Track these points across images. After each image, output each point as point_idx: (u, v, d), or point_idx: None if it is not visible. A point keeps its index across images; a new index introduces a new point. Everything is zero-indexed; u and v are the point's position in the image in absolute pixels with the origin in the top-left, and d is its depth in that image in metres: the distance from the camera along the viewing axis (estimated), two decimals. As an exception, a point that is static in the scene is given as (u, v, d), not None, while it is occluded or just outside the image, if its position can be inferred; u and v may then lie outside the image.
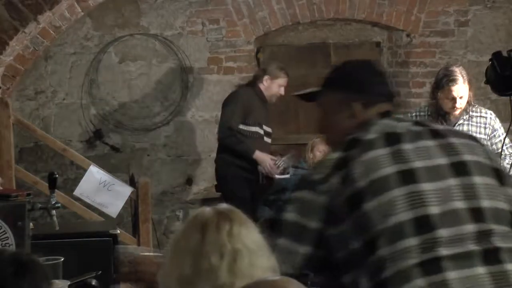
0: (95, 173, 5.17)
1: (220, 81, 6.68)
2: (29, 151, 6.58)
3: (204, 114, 6.72)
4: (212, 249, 1.95)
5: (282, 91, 5.98)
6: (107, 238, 4.05)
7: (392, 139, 2.20)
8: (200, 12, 6.67)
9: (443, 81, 4.88)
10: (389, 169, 2.12)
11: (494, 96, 6.01)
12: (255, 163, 5.78)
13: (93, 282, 3.04)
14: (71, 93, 6.64)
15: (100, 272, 3.24)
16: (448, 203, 2.09)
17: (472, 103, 4.98)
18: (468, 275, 2.01)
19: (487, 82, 4.38)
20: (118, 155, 6.68)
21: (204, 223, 2.01)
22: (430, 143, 2.20)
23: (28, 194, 3.01)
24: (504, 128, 4.91)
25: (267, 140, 5.97)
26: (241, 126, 5.78)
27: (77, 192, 5.19)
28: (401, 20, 6.84)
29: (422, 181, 2.10)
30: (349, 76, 2.44)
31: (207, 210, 2.05)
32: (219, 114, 6.70)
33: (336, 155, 2.21)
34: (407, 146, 2.17)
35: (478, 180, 2.14)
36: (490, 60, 4.21)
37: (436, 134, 2.24)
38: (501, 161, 4.66)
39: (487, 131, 4.93)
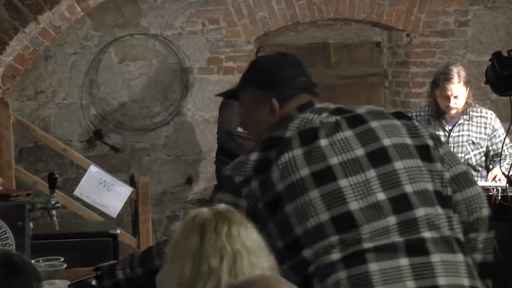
0: (95, 173, 5.17)
1: (220, 81, 6.68)
2: (29, 151, 6.57)
3: (204, 114, 6.72)
4: (211, 251, 1.95)
5: None
6: (107, 238, 4.05)
7: (308, 136, 2.17)
8: (200, 12, 6.67)
9: (440, 79, 4.91)
10: (304, 171, 2.11)
11: (494, 96, 6.02)
12: None
13: (93, 282, 3.04)
14: (71, 93, 6.63)
15: (100, 272, 3.24)
16: (368, 196, 2.07)
17: (472, 103, 4.98)
18: (390, 267, 2.00)
19: (487, 82, 4.38)
20: (118, 155, 6.68)
21: (202, 224, 2.00)
22: (347, 133, 2.17)
23: (28, 194, 3.01)
24: (504, 128, 4.91)
25: None
26: (240, 129, 5.78)
27: (77, 192, 5.19)
28: (401, 20, 6.84)
29: (339, 178, 2.09)
30: (261, 71, 2.41)
31: (205, 211, 2.04)
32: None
33: (255, 155, 2.21)
34: (323, 142, 2.14)
35: (399, 165, 2.11)
36: (490, 60, 4.21)
37: (354, 122, 2.20)
38: (501, 162, 4.66)
39: (487, 131, 4.93)
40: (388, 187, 2.08)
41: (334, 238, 2.05)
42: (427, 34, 6.87)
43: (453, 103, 4.88)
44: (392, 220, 2.05)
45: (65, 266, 2.86)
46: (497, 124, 4.97)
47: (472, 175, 4.69)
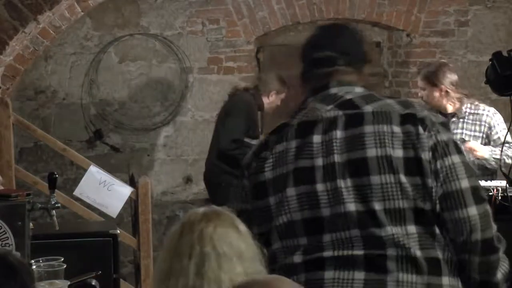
0: (95, 173, 5.17)
1: (220, 81, 6.68)
2: (29, 151, 6.58)
3: (204, 114, 6.72)
4: (184, 249, 1.96)
5: (279, 102, 6.00)
6: (107, 238, 4.05)
7: (304, 129, 2.12)
8: (200, 12, 6.67)
9: None
10: (290, 166, 2.09)
11: (494, 96, 6.00)
12: None
13: (93, 282, 3.04)
14: (71, 93, 6.63)
15: (100, 272, 3.24)
16: (338, 205, 2.04)
17: (465, 101, 4.98)
18: (344, 278, 2.01)
19: (487, 82, 4.38)
20: (118, 155, 6.68)
21: (185, 222, 2.02)
22: (339, 134, 2.09)
23: (28, 194, 3.01)
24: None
25: None
26: (245, 139, 5.75)
27: (77, 192, 5.18)
28: (401, 20, 6.84)
29: (318, 182, 2.06)
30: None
31: (199, 209, 2.06)
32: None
33: (262, 138, 2.22)
34: (316, 139, 2.09)
35: (376, 180, 2.03)
36: (490, 60, 4.22)
37: (351, 122, 2.10)
38: (500, 161, 4.66)
39: (483, 128, 4.93)
40: (359, 200, 2.03)
41: (303, 240, 2.05)
42: (427, 34, 6.87)
43: (420, 94, 5.01)
44: (355, 233, 2.02)
45: (65, 266, 2.86)
46: (495, 120, 4.95)
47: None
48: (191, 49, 6.69)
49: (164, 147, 6.74)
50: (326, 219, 2.04)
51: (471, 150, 4.77)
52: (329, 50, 2.26)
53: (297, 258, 2.06)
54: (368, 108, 2.12)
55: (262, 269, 1.98)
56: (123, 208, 5.34)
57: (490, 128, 4.92)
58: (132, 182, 5.72)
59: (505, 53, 4.14)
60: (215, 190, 5.80)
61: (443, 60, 6.56)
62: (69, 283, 2.85)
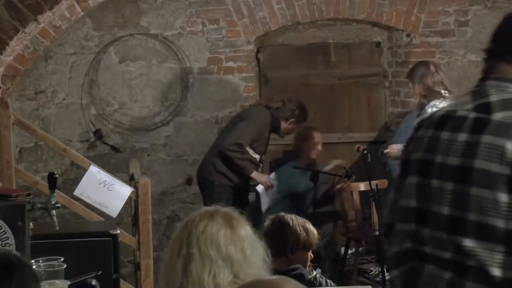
0: (95, 173, 5.17)
1: (220, 81, 6.68)
2: (29, 151, 6.58)
3: (204, 114, 6.72)
4: (175, 247, 2.00)
5: (294, 132, 6.17)
6: (107, 238, 4.05)
7: (441, 122, 2.10)
8: (200, 12, 6.67)
9: None
10: (420, 154, 2.10)
11: (494, 96, 6.01)
12: (246, 179, 5.91)
13: (93, 282, 3.04)
14: (71, 93, 6.63)
15: (100, 272, 3.24)
16: (439, 205, 2.03)
17: (424, 97, 5.05)
18: (435, 275, 2.03)
19: (487, 82, 4.38)
20: (118, 155, 6.68)
21: (186, 220, 2.04)
22: (462, 137, 2.02)
23: (28, 194, 3.01)
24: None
25: (259, 168, 6.11)
26: (248, 149, 5.82)
27: (77, 192, 5.18)
28: (401, 20, 6.84)
29: (433, 177, 2.05)
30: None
31: (201, 209, 2.08)
32: (219, 114, 6.71)
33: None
34: (444, 135, 2.07)
35: (474, 191, 1.99)
36: (490, 60, 4.22)
37: (477, 127, 2.02)
38: None
39: None
40: (455, 206, 2.01)
41: (411, 226, 2.06)
42: (427, 34, 6.87)
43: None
44: (444, 236, 2.03)
45: (65, 266, 2.87)
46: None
47: None
48: (191, 49, 6.69)
49: (164, 147, 6.74)
50: (431, 213, 2.05)
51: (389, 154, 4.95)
52: (497, 42, 2.15)
53: (407, 245, 2.07)
54: (497, 116, 2.02)
55: (258, 271, 1.97)
56: (123, 208, 5.33)
57: None
58: (131, 182, 5.71)
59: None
60: (206, 187, 5.88)
61: (445, 63, 6.61)
62: (69, 283, 2.85)
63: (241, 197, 5.94)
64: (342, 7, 6.75)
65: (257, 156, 5.92)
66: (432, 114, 2.17)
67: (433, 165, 2.06)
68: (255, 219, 5.24)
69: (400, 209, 2.11)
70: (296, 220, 3.58)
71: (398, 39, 7.00)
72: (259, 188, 6.01)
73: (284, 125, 6.02)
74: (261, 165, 6.12)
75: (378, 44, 7.16)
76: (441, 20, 6.86)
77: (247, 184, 6.04)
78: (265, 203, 6.05)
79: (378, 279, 6.01)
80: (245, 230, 2.04)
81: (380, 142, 6.79)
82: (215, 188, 5.83)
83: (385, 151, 5.22)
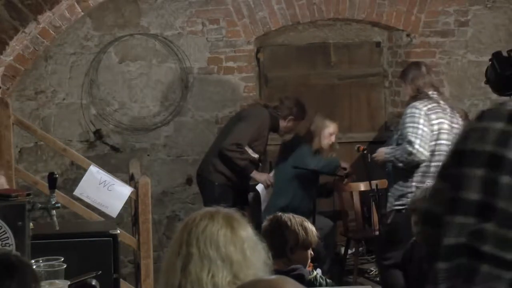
0: (95, 173, 5.17)
1: (220, 81, 6.68)
2: (29, 151, 6.58)
3: (204, 114, 6.72)
4: (176, 247, 2.01)
5: (293, 130, 6.15)
6: (107, 238, 4.05)
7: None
8: (200, 12, 6.67)
9: None
10: (486, 146, 2.11)
11: (494, 96, 6.01)
12: (245, 179, 5.92)
13: (93, 282, 3.04)
14: (71, 93, 6.63)
15: (100, 272, 3.24)
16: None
17: (408, 99, 5.18)
18: (493, 276, 2.03)
19: (487, 82, 4.39)
20: (118, 155, 6.68)
21: (186, 220, 2.05)
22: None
23: (28, 194, 3.01)
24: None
25: (259, 167, 6.11)
26: (247, 148, 5.83)
27: (77, 192, 5.18)
28: (401, 20, 6.84)
29: (505, 174, 2.06)
30: None
31: (202, 209, 2.08)
32: (219, 114, 6.71)
33: None
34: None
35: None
36: (490, 60, 4.23)
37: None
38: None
39: (400, 125, 5.15)
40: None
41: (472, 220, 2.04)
42: (427, 34, 6.87)
43: None
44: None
45: (65, 266, 2.86)
46: (404, 119, 5.05)
47: None
48: (191, 49, 6.69)
49: (164, 147, 6.74)
50: (497, 210, 2.04)
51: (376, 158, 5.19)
52: None
53: (461, 239, 2.04)
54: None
55: (258, 273, 1.97)
56: (123, 208, 5.33)
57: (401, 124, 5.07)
58: (132, 182, 5.71)
59: (505, 53, 4.15)
60: (206, 187, 5.89)
61: (445, 63, 6.62)
62: (69, 283, 2.85)
63: (241, 197, 5.94)
64: (342, 7, 6.75)
65: (256, 156, 5.93)
66: (497, 106, 2.13)
67: (504, 160, 2.02)
68: (255, 220, 5.25)
69: (453, 200, 2.06)
70: (294, 220, 3.56)
71: (398, 39, 7.00)
72: (259, 187, 6.02)
73: (283, 123, 6.03)
74: (260, 164, 6.13)
75: (378, 44, 7.16)
76: (441, 20, 6.86)
77: (247, 184, 6.05)
78: (265, 202, 6.05)
79: (378, 279, 6.01)
80: (246, 231, 2.04)
81: (380, 142, 6.78)
82: (215, 188, 5.84)
83: (373, 155, 5.26)
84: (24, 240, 2.89)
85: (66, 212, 5.73)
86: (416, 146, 4.87)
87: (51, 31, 6.03)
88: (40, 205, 3.03)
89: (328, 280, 3.63)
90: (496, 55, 4.17)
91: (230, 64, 6.71)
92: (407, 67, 5.38)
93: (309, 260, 3.58)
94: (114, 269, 4.01)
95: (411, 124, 4.92)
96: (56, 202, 3.09)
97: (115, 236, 4.06)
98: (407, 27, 6.86)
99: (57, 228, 3.23)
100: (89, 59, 6.62)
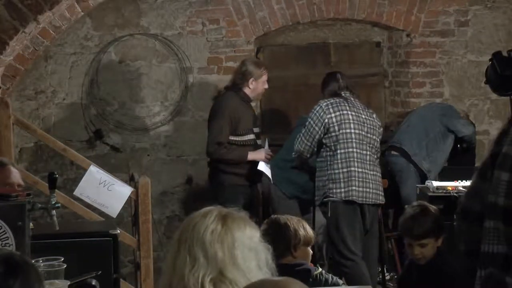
0: (95, 173, 5.17)
1: (220, 81, 6.67)
2: (29, 151, 6.58)
3: (204, 114, 6.70)
4: (171, 246, 2.04)
5: (266, 85, 5.89)
6: (107, 238, 4.05)
7: None
8: (200, 12, 6.67)
9: None
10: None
11: (494, 96, 6.02)
12: (251, 169, 5.77)
13: (93, 282, 3.04)
14: (71, 93, 6.63)
15: (100, 272, 3.24)
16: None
17: None
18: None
19: (487, 82, 4.39)
20: (118, 155, 6.68)
21: (186, 219, 2.07)
22: None
23: (28, 194, 3.01)
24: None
25: (258, 142, 5.92)
26: (235, 138, 5.71)
27: (77, 192, 5.18)
28: (401, 20, 6.84)
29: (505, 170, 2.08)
30: None
31: (202, 209, 2.08)
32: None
33: None
34: None
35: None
36: (490, 60, 4.23)
37: None
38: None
39: None
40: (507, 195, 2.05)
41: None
42: (427, 34, 6.87)
43: None
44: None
45: (65, 266, 2.86)
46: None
47: None
48: (191, 49, 6.69)
49: (164, 147, 6.74)
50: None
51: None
52: None
53: (501, 249, 2.05)
54: None
55: (250, 274, 1.96)
56: (123, 208, 5.34)
57: None
58: (132, 182, 5.72)
59: (505, 53, 4.15)
60: (217, 190, 5.80)
61: (445, 63, 6.62)
62: (69, 283, 2.85)
63: (253, 194, 5.87)
64: (342, 7, 6.75)
65: (249, 136, 5.78)
66: None
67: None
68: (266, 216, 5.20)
69: (487, 204, 2.07)
70: (291, 219, 3.71)
71: (398, 39, 7.00)
72: (261, 166, 5.78)
73: (249, 90, 5.80)
74: (259, 141, 5.93)
75: (378, 44, 7.15)
76: (441, 20, 6.86)
77: (255, 174, 5.89)
78: (268, 173, 5.90)
79: (378, 279, 6.01)
80: (242, 232, 2.02)
81: (380, 142, 6.78)
82: (225, 189, 5.72)
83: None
84: (24, 240, 2.89)
85: (66, 212, 5.73)
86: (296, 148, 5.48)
87: (51, 31, 6.03)
88: (40, 205, 3.03)
89: (334, 276, 3.69)
90: (496, 55, 4.17)
91: (230, 64, 6.70)
92: (324, 78, 5.81)
93: (310, 258, 3.71)
94: (114, 269, 4.00)
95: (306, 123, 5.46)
96: (56, 202, 3.09)
97: (115, 236, 4.06)
98: (407, 27, 6.85)
99: (57, 228, 3.23)
100: (89, 59, 6.62)
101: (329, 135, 5.34)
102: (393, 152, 6.28)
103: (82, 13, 6.06)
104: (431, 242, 3.86)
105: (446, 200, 4.68)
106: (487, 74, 4.34)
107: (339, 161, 5.28)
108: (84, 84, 6.63)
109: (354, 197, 5.21)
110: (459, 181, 5.08)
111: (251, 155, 5.74)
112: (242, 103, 5.80)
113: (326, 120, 5.34)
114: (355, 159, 5.27)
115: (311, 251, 3.71)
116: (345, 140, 5.31)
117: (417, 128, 6.29)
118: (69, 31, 6.48)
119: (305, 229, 3.66)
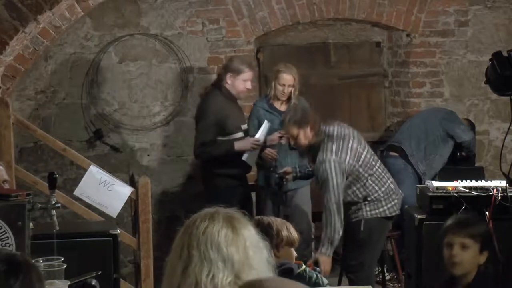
0: (95, 173, 5.17)
1: (220, 81, 6.67)
2: (29, 151, 6.57)
3: (204, 114, 6.72)
4: (177, 249, 2.01)
5: (248, 85, 5.77)
6: (107, 238, 4.06)
7: None
8: (200, 12, 6.67)
9: None
10: None
11: (494, 96, 6.02)
12: (244, 167, 5.74)
13: (93, 282, 3.04)
14: (71, 93, 6.63)
15: (100, 272, 3.24)
16: None
17: None
18: None
19: (487, 82, 4.39)
20: (118, 155, 6.68)
21: (187, 222, 2.05)
22: None
23: (28, 194, 3.01)
24: (504, 128, 4.92)
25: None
26: (223, 138, 5.66)
27: (77, 192, 5.18)
28: (401, 20, 6.84)
29: None
30: None
31: (203, 211, 2.07)
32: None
33: None
34: None
35: None
36: (490, 60, 4.22)
37: None
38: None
39: None
40: None
41: None
42: (427, 34, 6.87)
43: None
44: None
45: (65, 266, 2.87)
46: None
47: None
48: (191, 49, 6.69)
49: (164, 147, 6.74)
50: None
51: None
52: None
53: None
54: None
55: (260, 272, 1.97)
56: (123, 208, 5.34)
57: None
58: (132, 182, 5.71)
59: (505, 53, 4.14)
60: (213, 194, 5.72)
61: (445, 63, 6.61)
62: (69, 283, 2.85)
63: (247, 195, 5.86)
64: (342, 7, 6.75)
65: (237, 134, 5.70)
66: None
67: None
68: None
69: None
70: (275, 220, 3.79)
71: (398, 39, 7.00)
72: (244, 157, 5.68)
73: (230, 87, 5.69)
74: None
75: (378, 44, 7.15)
76: (441, 20, 6.86)
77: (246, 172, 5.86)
78: (252, 163, 5.83)
79: (378, 279, 6.01)
80: (248, 230, 2.04)
81: (380, 142, 6.79)
82: (222, 193, 5.67)
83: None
84: (24, 240, 2.89)
85: (66, 212, 5.73)
86: None
87: (51, 31, 6.03)
88: (40, 205, 3.04)
89: (318, 274, 3.72)
90: (496, 55, 4.17)
91: (230, 64, 6.70)
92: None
93: (295, 258, 3.77)
94: (114, 269, 4.02)
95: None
96: (56, 202, 3.10)
97: (115, 236, 4.07)
98: (407, 27, 6.85)
99: (57, 228, 3.23)
100: (89, 59, 6.62)
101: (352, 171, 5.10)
102: (391, 153, 6.28)
103: (82, 13, 6.06)
104: (474, 248, 3.59)
105: (446, 200, 4.67)
106: (487, 74, 4.34)
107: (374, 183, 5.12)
108: (84, 84, 6.63)
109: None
110: (459, 181, 5.07)
111: (237, 145, 5.62)
112: (227, 101, 5.71)
113: (344, 166, 5.01)
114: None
115: (295, 253, 3.76)
116: (367, 166, 5.12)
117: (418, 129, 6.30)
118: (69, 31, 6.48)
119: (288, 231, 3.71)
